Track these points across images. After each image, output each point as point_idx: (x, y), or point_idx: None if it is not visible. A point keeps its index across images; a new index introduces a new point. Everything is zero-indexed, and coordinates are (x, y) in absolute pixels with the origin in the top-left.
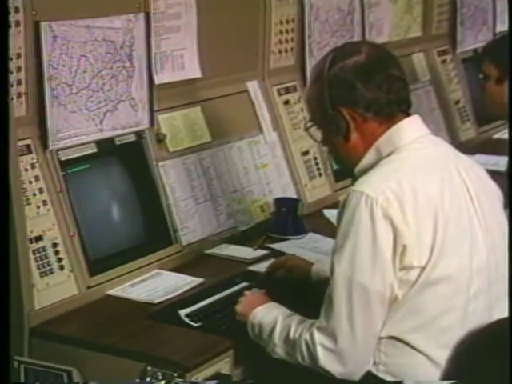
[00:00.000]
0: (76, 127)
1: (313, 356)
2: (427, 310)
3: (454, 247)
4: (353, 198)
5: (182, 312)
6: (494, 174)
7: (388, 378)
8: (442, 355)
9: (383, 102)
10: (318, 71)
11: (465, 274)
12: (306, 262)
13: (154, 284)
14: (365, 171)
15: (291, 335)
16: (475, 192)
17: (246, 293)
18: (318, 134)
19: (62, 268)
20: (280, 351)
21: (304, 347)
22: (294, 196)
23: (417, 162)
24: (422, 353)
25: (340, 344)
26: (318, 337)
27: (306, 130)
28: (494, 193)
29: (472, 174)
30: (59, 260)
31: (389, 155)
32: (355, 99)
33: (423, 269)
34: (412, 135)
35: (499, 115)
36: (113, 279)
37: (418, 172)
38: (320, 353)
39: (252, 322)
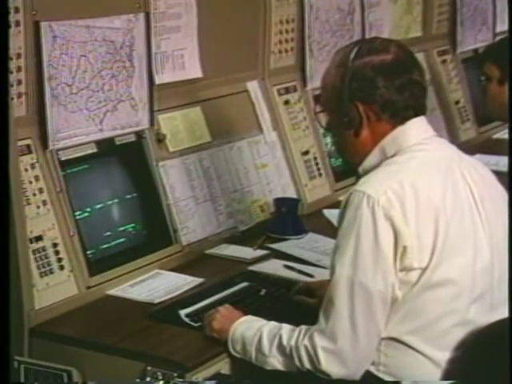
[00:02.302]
0: (76, 127)
1: (314, 360)
2: (427, 312)
3: (456, 250)
4: (355, 197)
5: (182, 312)
6: (493, 174)
7: (388, 379)
8: (443, 357)
9: (401, 105)
10: (341, 59)
11: (468, 277)
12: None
13: (154, 284)
14: (369, 171)
15: (285, 343)
16: (479, 194)
17: (220, 308)
18: (325, 119)
19: (62, 268)
20: (272, 361)
21: (303, 353)
22: (294, 196)
23: (420, 164)
24: (422, 354)
25: (340, 344)
26: (319, 340)
27: (315, 114)
28: (499, 195)
29: (476, 176)
30: (59, 260)
31: (393, 156)
32: (373, 97)
33: (424, 270)
34: (417, 137)
35: (501, 116)
36: (113, 279)
37: (421, 174)
38: (321, 356)
39: (233, 338)
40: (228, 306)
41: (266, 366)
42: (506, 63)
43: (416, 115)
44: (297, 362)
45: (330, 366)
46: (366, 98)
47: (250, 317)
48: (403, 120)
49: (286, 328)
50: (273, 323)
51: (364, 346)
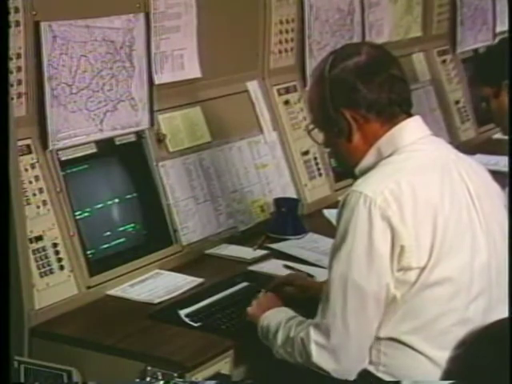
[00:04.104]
0: (76, 127)
1: (307, 352)
2: (426, 312)
3: (453, 248)
4: (352, 198)
5: (182, 312)
6: (494, 174)
7: (388, 379)
8: (443, 356)
9: (385, 102)
10: (318, 73)
11: (466, 275)
12: (314, 281)
13: (154, 284)
14: (365, 171)
15: (291, 335)
16: (476, 193)
17: (260, 295)
18: (320, 137)
19: (62, 268)
20: (282, 352)
21: (300, 344)
22: (294, 196)
23: (417, 163)
24: (421, 354)
25: (332, 341)
26: (313, 333)
27: (308, 132)
28: (495, 194)
29: (473, 175)
30: (59, 260)
31: (389, 156)
32: (357, 100)
33: (422, 270)
34: (413, 136)
35: None
36: (113, 279)
37: (418, 173)
38: (313, 349)
39: (261, 325)
40: (269, 294)
41: (278, 355)
42: (493, 78)
43: (402, 111)
44: (296, 354)
45: (320, 359)
46: (350, 103)
47: (281, 308)
48: (391, 117)
49: (296, 321)
50: (292, 315)
51: (355, 345)
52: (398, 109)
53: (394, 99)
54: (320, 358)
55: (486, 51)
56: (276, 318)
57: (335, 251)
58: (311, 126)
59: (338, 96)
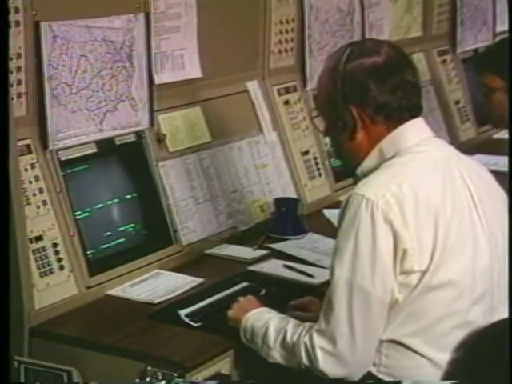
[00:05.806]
0: (76, 127)
1: (312, 359)
2: (428, 314)
3: (455, 251)
4: (354, 200)
5: (182, 312)
6: (494, 174)
7: (389, 380)
8: (444, 358)
9: (394, 106)
10: (333, 63)
11: (468, 278)
12: None
13: (154, 284)
14: (367, 173)
15: (288, 338)
16: (478, 195)
17: (240, 299)
18: (322, 124)
19: (61, 268)
20: (275, 355)
21: (303, 350)
22: (294, 196)
23: (419, 166)
24: (423, 356)
25: (339, 347)
26: (318, 340)
27: (311, 118)
28: (497, 195)
29: (475, 177)
30: (59, 260)
31: (392, 158)
32: (367, 100)
33: (424, 273)
34: (415, 138)
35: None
36: (113, 279)
37: (420, 175)
38: (319, 356)
39: (244, 327)
40: (250, 297)
41: (269, 358)
42: (506, 71)
43: (411, 116)
44: (296, 359)
45: (327, 366)
46: (359, 102)
47: (264, 308)
48: (398, 122)
49: (291, 323)
50: (282, 316)
51: (362, 349)
52: (407, 114)
53: (404, 105)
54: (326, 364)
55: (499, 41)
56: (261, 319)
57: (338, 256)
58: (315, 113)
59: (349, 92)
